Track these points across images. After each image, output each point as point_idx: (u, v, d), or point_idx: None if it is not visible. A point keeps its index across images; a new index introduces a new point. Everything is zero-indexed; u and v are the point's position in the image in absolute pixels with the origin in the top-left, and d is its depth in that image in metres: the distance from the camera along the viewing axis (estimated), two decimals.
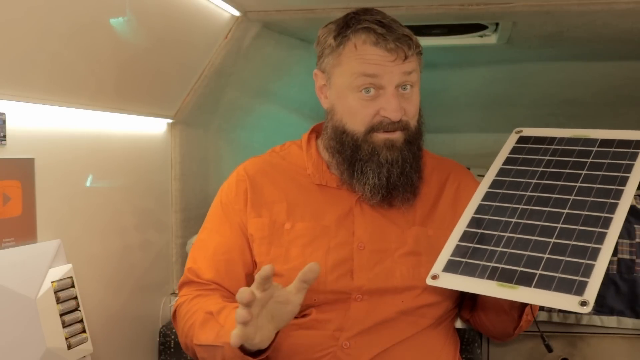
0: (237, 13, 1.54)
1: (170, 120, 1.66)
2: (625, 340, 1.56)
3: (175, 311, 1.25)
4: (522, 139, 1.23)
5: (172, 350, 1.59)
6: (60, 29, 1.10)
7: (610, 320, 1.55)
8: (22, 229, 1.12)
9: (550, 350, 1.12)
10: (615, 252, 1.54)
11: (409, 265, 1.19)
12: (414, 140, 1.22)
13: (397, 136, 1.19)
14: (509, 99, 2.47)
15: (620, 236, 1.54)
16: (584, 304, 0.89)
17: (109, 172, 1.41)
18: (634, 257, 1.53)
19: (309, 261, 1.19)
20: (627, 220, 1.55)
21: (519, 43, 1.85)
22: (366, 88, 1.17)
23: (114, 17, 1.21)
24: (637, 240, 1.54)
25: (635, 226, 1.54)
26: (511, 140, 1.24)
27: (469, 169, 1.38)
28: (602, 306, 1.55)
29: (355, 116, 1.19)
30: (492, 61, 2.18)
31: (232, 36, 1.59)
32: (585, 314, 0.91)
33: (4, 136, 1.07)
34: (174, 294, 1.69)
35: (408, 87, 1.19)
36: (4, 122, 1.07)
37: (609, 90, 2.31)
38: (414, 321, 1.20)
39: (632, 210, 1.59)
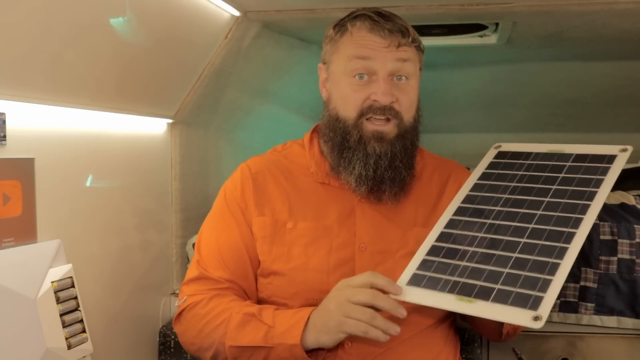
0: (237, 13, 1.54)
1: (170, 120, 1.66)
2: (625, 340, 1.56)
3: (184, 310, 1.22)
4: (500, 154, 1.24)
5: (172, 350, 1.59)
6: (60, 29, 1.10)
7: (610, 320, 1.55)
8: (22, 229, 1.12)
9: None
10: (615, 252, 1.54)
11: None
12: (406, 134, 1.21)
13: (388, 129, 1.19)
14: (509, 99, 2.47)
15: (621, 236, 1.54)
16: (537, 318, 0.89)
17: (109, 172, 1.41)
18: (634, 257, 1.53)
19: (311, 261, 1.20)
20: (627, 221, 1.55)
21: (519, 43, 1.85)
22: (360, 74, 1.18)
23: (114, 17, 1.21)
24: (637, 240, 1.54)
25: (635, 226, 1.54)
26: (489, 155, 1.25)
27: (468, 169, 1.38)
28: (602, 306, 1.55)
29: (348, 101, 1.20)
30: (492, 61, 2.18)
31: (232, 36, 1.59)
32: (536, 329, 0.91)
33: (4, 136, 1.07)
34: (174, 294, 1.69)
35: (403, 78, 1.19)
36: (4, 122, 1.07)
37: (609, 90, 2.30)
38: (415, 321, 1.20)
39: (632, 210, 1.59)
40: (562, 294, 1.58)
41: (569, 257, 0.97)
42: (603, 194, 1.05)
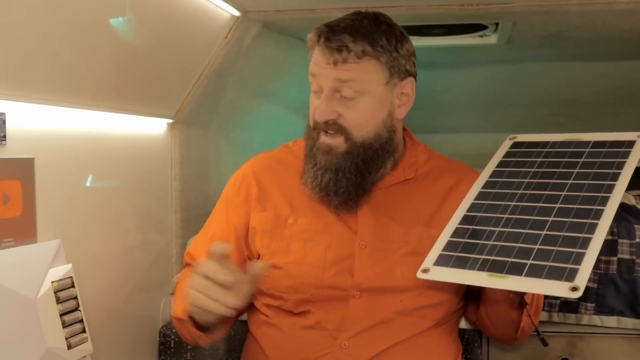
0: (237, 13, 1.54)
1: (170, 120, 1.66)
2: (625, 340, 1.56)
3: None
4: (516, 145, 1.24)
5: (172, 350, 1.59)
6: (60, 29, 1.10)
7: (610, 320, 1.55)
8: (22, 229, 1.12)
9: (545, 344, 1.12)
10: (615, 252, 1.54)
11: (411, 265, 1.19)
12: (356, 151, 1.20)
13: (336, 142, 1.20)
14: (509, 99, 2.46)
15: (621, 236, 1.54)
16: (574, 289, 0.89)
17: (109, 172, 1.41)
18: (634, 257, 1.53)
19: (309, 256, 1.21)
20: (627, 221, 1.55)
21: (519, 43, 1.85)
22: (315, 90, 1.22)
23: (114, 17, 1.21)
24: (637, 240, 1.54)
25: (635, 226, 1.54)
26: (505, 146, 1.25)
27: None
28: (602, 306, 1.55)
29: (309, 113, 1.25)
30: (492, 61, 2.18)
31: (232, 36, 1.59)
32: (574, 299, 0.91)
33: (4, 136, 1.07)
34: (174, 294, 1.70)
35: (350, 94, 1.18)
36: (4, 122, 1.07)
37: (609, 90, 2.30)
38: (413, 322, 1.20)
39: (632, 210, 1.59)
40: None
41: (600, 232, 0.96)
42: (627, 175, 1.06)
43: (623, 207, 1.61)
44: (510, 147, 1.24)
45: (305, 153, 1.26)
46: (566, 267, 0.93)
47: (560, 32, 1.71)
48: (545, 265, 0.94)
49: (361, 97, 1.18)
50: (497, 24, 1.69)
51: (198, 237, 1.37)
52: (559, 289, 0.90)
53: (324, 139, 1.21)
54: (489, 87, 2.38)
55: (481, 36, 1.82)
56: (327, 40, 1.17)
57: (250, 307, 1.35)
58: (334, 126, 1.19)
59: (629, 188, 1.72)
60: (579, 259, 0.93)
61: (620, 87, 2.27)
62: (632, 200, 1.62)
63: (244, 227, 1.29)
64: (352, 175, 1.21)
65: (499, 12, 1.52)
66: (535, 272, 0.94)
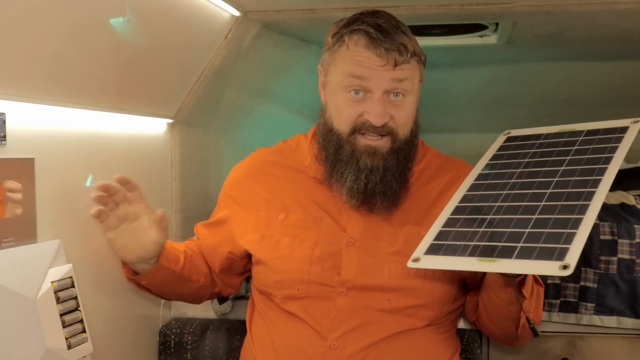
0: (237, 13, 1.54)
1: (170, 120, 1.66)
2: (625, 340, 1.56)
3: None
4: (510, 139, 1.25)
5: (172, 350, 1.59)
6: (60, 29, 1.10)
7: (610, 320, 1.55)
8: (22, 229, 1.12)
9: (535, 334, 1.12)
10: (615, 252, 1.54)
11: (399, 264, 1.19)
12: (400, 149, 1.21)
13: (382, 143, 1.19)
14: (509, 99, 2.47)
15: (621, 236, 1.54)
16: (565, 267, 0.88)
17: (109, 172, 1.40)
18: (634, 257, 1.53)
19: (297, 251, 1.22)
20: (627, 221, 1.55)
21: (519, 43, 1.85)
22: (355, 90, 1.17)
23: (114, 17, 1.21)
24: (637, 240, 1.54)
25: (635, 226, 1.54)
26: (499, 141, 1.26)
27: None
28: (602, 306, 1.55)
29: (341, 116, 1.20)
30: (492, 61, 2.18)
31: (232, 36, 1.59)
32: (565, 276, 0.90)
33: (4, 136, 1.07)
34: None
35: (400, 95, 1.18)
36: (4, 122, 1.07)
37: (609, 90, 2.30)
38: (400, 320, 1.19)
39: (632, 210, 1.59)
40: (562, 294, 1.58)
41: (591, 212, 0.96)
42: (618, 159, 1.06)
43: (623, 207, 1.61)
44: (504, 142, 1.24)
45: (339, 159, 1.22)
46: (556, 247, 0.92)
47: (560, 32, 1.71)
48: (536, 247, 0.94)
49: (408, 96, 1.19)
50: (497, 24, 1.70)
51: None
52: (549, 268, 0.90)
53: (368, 141, 1.19)
54: (489, 87, 2.39)
55: (481, 36, 1.82)
56: (383, 41, 1.15)
57: (250, 306, 1.35)
58: (385, 129, 1.18)
59: (629, 188, 1.72)
60: (569, 238, 0.93)
61: (620, 87, 2.27)
62: (632, 200, 1.62)
63: (242, 223, 1.32)
64: (397, 174, 1.21)
65: (499, 12, 1.52)
66: (525, 254, 0.94)
